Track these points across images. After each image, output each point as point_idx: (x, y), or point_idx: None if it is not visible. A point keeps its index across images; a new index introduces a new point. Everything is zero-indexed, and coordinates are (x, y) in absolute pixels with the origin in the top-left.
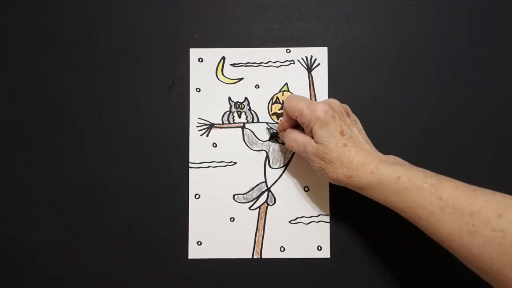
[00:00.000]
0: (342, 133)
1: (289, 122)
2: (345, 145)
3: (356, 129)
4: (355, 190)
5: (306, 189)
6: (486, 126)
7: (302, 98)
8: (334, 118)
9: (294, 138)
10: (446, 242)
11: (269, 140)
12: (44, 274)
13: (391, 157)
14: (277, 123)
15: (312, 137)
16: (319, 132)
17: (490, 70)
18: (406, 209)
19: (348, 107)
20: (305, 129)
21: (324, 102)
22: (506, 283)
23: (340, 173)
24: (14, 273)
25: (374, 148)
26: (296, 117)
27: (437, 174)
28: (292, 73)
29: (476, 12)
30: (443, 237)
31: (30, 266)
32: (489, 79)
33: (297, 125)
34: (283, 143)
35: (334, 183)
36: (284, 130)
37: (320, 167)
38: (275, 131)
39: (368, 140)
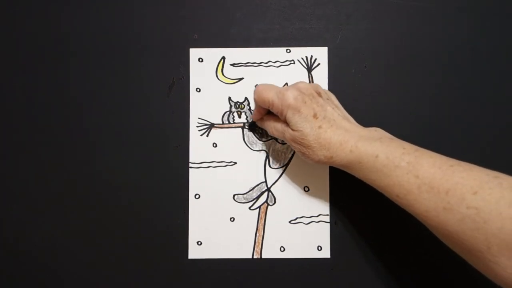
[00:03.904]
0: (315, 116)
1: (262, 111)
2: (320, 127)
3: (331, 107)
4: (340, 168)
5: (306, 189)
6: (487, 126)
7: (270, 87)
8: (305, 102)
9: (274, 126)
10: (423, 219)
11: (248, 128)
12: (44, 274)
13: (372, 130)
14: None
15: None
16: (292, 119)
17: (490, 70)
18: (385, 187)
19: (318, 85)
20: (280, 117)
21: (292, 87)
22: (481, 259)
23: (320, 155)
24: (15, 273)
25: (353, 122)
26: (268, 107)
27: (417, 149)
28: (292, 73)
29: (476, 12)
30: (420, 215)
31: (29, 266)
32: (489, 79)
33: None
34: (282, 143)
35: (318, 164)
36: (260, 118)
37: (301, 152)
38: (252, 120)
39: (346, 114)
